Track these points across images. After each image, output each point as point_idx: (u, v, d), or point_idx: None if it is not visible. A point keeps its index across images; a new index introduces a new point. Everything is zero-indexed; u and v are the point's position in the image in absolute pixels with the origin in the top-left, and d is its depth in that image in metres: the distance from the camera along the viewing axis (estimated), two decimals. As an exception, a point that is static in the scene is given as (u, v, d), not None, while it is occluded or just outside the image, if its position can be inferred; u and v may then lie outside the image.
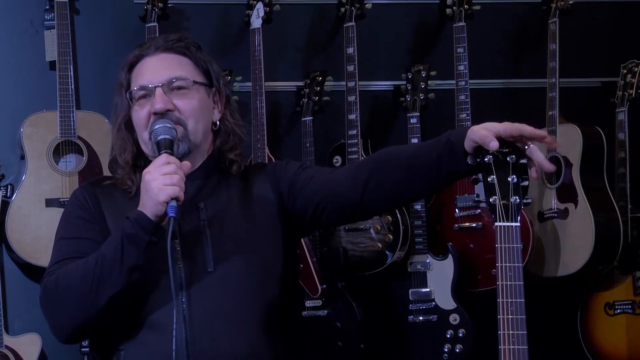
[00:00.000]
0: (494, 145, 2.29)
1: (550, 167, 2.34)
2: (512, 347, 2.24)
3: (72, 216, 2.65)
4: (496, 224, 2.28)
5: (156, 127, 2.55)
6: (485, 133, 2.31)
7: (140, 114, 2.60)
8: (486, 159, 2.30)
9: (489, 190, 2.30)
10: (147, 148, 2.61)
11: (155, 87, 2.58)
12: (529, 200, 2.36)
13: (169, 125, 2.55)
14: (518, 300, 2.26)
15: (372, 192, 2.55)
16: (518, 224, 2.28)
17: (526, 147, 2.32)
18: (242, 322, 2.53)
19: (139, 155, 2.66)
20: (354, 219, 2.80)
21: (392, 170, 2.54)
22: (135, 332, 2.52)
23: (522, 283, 2.27)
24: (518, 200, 2.28)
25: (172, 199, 2.42)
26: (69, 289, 2.48)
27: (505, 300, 2.26)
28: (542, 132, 2.33)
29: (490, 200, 2.29)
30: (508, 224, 2.28)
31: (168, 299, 2.50)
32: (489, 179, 2.30)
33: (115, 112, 2.69)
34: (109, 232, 2.58)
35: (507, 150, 2.31)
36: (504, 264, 2.27)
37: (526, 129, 2.31)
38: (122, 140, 2.67)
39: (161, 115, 2.57)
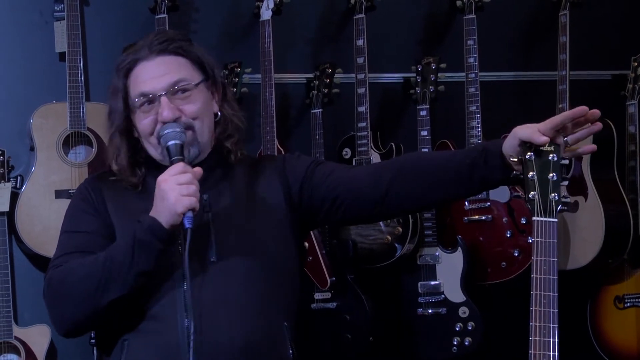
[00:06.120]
0: (544, 139, 2.35)
1: (589, 148, 2.47)
2: (542, 339, 2.29)
3: (75, 209, 2.67)
4: (534, 218, 2.33)
5: (166, 131, 2.55)
6: (531, 130, 2.37)
7: (145, 122, 2.60)
8: (527, 156, 2.37)
9: (529, 186, 2.35)
10: (156, 152, 2.62)
11: (160, 95, 2.57)
12: (568, 199, 2.43)
13: (178, 130, 2.55)
14: (551, 293, 2.30)
15: (395, 194, 2.57)
16: (555, 220, 2.33)
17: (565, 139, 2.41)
18: (245, 313, 2.54)
19: (136, 152, 2.67)
20: (371, 218, 2.82)
21: (418, 174, 2.57)
22: (138, 323, 2.54)
23: (555, 277, 2.32)
24: (557, 198, 2.34)
25: (188, 209, 2.44)
26: (74, 286, 2.50)
27: (538, 292, 2.31)
28: (572, 113, 2.41)
29: (529, 195, 2.34)
30: (546, 219, 2.33)
31: (170, 290, 2.52)
32: (529, 176, 2.35)
33: (110, 118, 2.67)
34: (111, 225, 2.59)
35: (550, 149, 2.38)
36: (539, 258, 2.32)
37: (558, 118, 2.39)
38: (115, 147, 2.67)
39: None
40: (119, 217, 2.60)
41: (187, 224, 2.43)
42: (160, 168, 2.63)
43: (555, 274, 2.32)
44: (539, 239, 2.32)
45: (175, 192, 2.43)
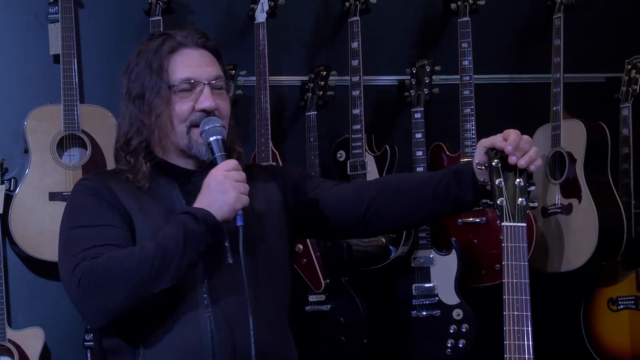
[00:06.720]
0: (504, 143, 2.42)
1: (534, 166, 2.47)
2: (516, 342, 2.31)
3: (89, 204, 2.59)
4: (503, 223, 2.38)
5: (208, 127, 2.57)
6: (493, 137, 2.46)
7: (182, 107, 2.60)
8: (494, 164, 2.43)
9: (497, 192, 2.41)
10: (181, 140, 2.61)
11: (205, 84, 2.60)
12: (535, 204, 2.46)
13: (218, 125, 2.58)
14: (523, 297, 2.33)
15: (375, 213, 2.66)
16: (524, 224, 2.38)
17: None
18: (262, 315, 2.54)
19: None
20: (352, 234, 2.89)
21: (398, 194, 2.65)
22: (156, 326, 2.52)
23: (527, 281, 2.35)
24: (524, 203, 2.39)
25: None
26: (125, 274, 2.44)
27: (510, 297, 2.33)
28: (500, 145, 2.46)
29: (498, 202, 2.40)
30: (514, 224, 2.38)
31: (189, 293, 2.52)
32: (497, 182, 2.42)
33: (148, 95, 2.61)
34: (130, 219, 2.56)
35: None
36: (510, 262, 2.35)
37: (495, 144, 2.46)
38: (161, 127, 2.62)
39: (207, 113, 2.59)
40: (136, 211, 2.57)
41: (240, 222, 2.50)
42: (165, 168, 2.63)
43: (527, 277, 2.35)
44: (509, 244, 2.36)
45: (237, 189, 2.48)
